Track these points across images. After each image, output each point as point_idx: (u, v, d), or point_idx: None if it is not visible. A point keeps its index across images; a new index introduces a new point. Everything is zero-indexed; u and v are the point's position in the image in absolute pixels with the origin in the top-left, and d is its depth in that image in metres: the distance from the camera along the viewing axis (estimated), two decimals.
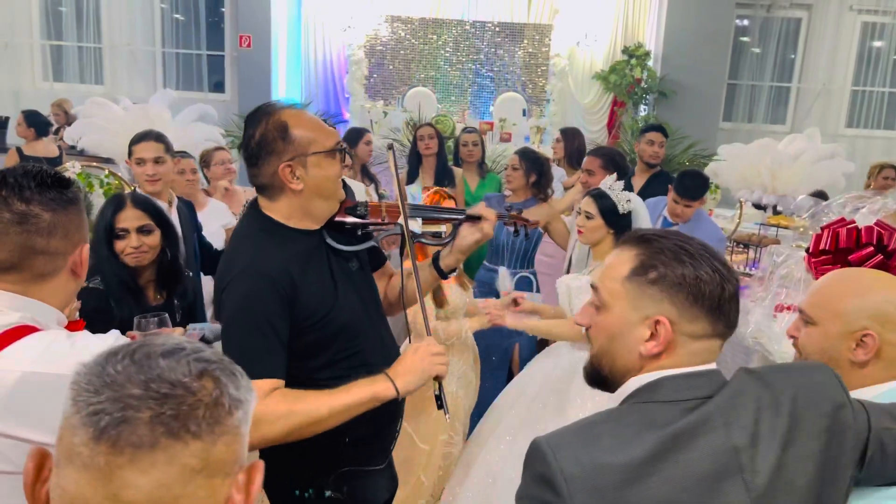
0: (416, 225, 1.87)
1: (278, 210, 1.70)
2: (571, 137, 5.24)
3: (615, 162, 3.83)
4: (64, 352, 1.16)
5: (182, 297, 2.34)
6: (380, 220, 1.83)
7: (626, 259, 1.16)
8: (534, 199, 3.88)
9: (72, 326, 1.35)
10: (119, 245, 2.21)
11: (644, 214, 2.92)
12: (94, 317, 2.04)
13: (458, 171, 4.95)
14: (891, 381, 1.38)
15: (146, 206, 2.28)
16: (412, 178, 4.83)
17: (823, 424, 1.13)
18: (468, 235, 1.91)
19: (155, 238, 2.25)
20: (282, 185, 1.66)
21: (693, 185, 3.68)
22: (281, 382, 1.60)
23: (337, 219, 1.78)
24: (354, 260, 1.83)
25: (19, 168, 1.25)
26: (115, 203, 2.26)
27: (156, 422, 0.70)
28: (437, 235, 1.95)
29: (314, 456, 1.69)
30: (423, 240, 1.90)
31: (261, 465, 0.80)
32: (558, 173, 5.05)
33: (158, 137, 3.11)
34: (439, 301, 2.93)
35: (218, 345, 2.09)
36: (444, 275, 1.98)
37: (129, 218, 2.22)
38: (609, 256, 1.22)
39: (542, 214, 3.79)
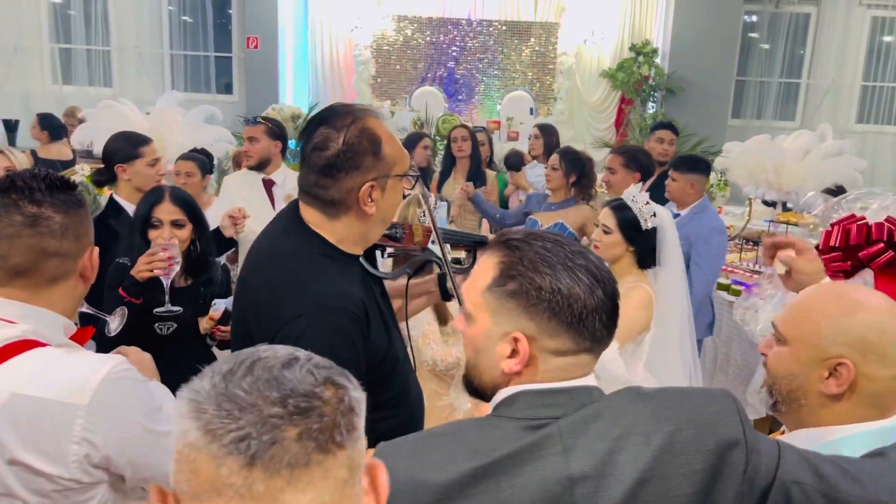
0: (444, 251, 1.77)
1: (333, 230, 1.49)
2: (549, 133, 5.20)
3: (638, 160, 3.73)
4: (56, 375, 1.15)
5: (207, 285, 2.51)
6: (412, 245, 1.73)
7: (489, 267, 1.07)
8: (573, 200, 3.77)
9: (80, 334, 1.34)
10: (152, 234, 2.39)
11: (672, 232, 2.58)
12: (117, 287, 2.33)
13: (490, 174, 4.94)
14: (864, 423, 1.18)
15: (182, 202, 2.45)
16: (444, 179, 4.83)
17: (704, 463, 0.99)
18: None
19: (185, 232, 2.42)
20: (353, 205, 1.46)
21: (682, 161, 3.70)
22: None
23: (378, 241, 1.64)
24: (379, 284, 1.64)
25: (26, 171, 1.25)
26: (155, 196, 2.45)
27: (305, 438, 0.68)
28: (457, 262, 1.86)
29: None
30: (458, 265, 1.82)
31: (381, 464, 0.78)
32: (541, 169, 5.03)
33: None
34: (443, 317, 2.75)
35: None
36: (447, 297, 1.84)
37: (166, 211, 2.40)
38: (479, 261, 1.12)
39: (580, 217, 3.69)
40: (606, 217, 2.56)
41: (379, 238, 1.61)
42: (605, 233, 2.54)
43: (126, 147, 2.98)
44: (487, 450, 0.98)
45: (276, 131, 3.52)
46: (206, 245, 2.53)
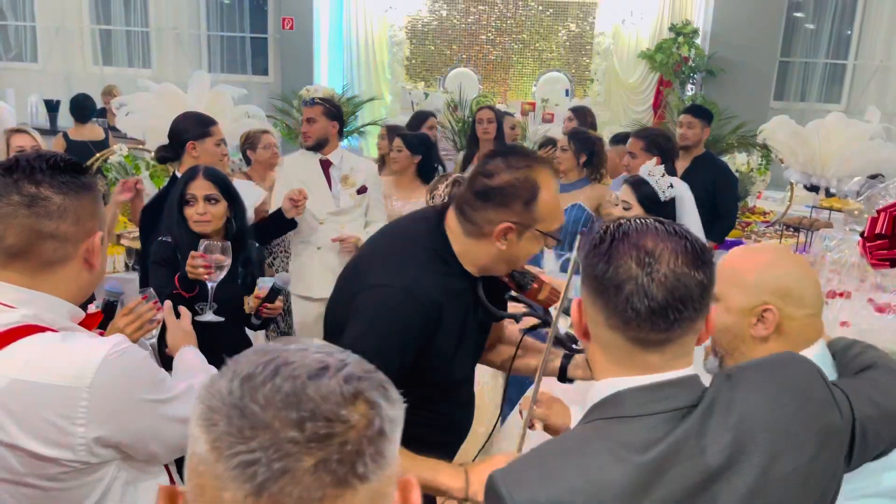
0: (564, 324, 1.72)
1: (460, 242, 1.58)
2: (583, 116, 5.11)
3: (658, 144, 3.72)
4: (55, 359, 1.14)
5: (245, 265, 2.53)
6: (536, 300, 1.71)
7: None
8: (586, 181, 3.76)
9: (89, 319, 1.33)
10: (188, 211, 2.42)
11: (689, 201, 2.71)
12: (162, 263, 2.43)
13: None
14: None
15: (216, 178, 2.47)
16: (468, 161, 4.77)
17: (811, 430, 1.04)
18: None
19: (220, 208, 2.44)
20: (486, 235, 1.54)
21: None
22: None
23: (502, 278, 1.68)
24: (486, 316, 1.71)
25: (33, 153, 1.24)
26: (190, 173, 2.49)
27: (321, 470, 0.59)
28: (573, 340, 1.77)
29: None
30: (562, 342, 1.75)
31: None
32: None
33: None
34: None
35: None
36: (565, 380, 1.86)
37: (199, 187, 2.43)
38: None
39: (594, 197, 3.71)
40: (626, 194, 2.66)
41: (500, 273, 1.66)
42: (626, 209, 2.64)
43: (196, 126, 3.11)
44: (630, 455, 0.97)
45: (334, 112, 3.51)
46: (243, 223, 2.55)
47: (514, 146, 1.63)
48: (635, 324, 0.99)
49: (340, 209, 3.48)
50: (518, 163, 1.53)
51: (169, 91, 4.46)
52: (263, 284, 2.42)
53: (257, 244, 2.73)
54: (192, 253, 2.24)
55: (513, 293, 1.74)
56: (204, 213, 2.41)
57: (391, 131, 4.40)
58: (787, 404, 1.04)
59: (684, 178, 4.23)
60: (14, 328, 1.16)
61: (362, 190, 3.51)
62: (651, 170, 2.69)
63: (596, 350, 1.07)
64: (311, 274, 3.50)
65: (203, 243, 2.25)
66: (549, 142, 5.39)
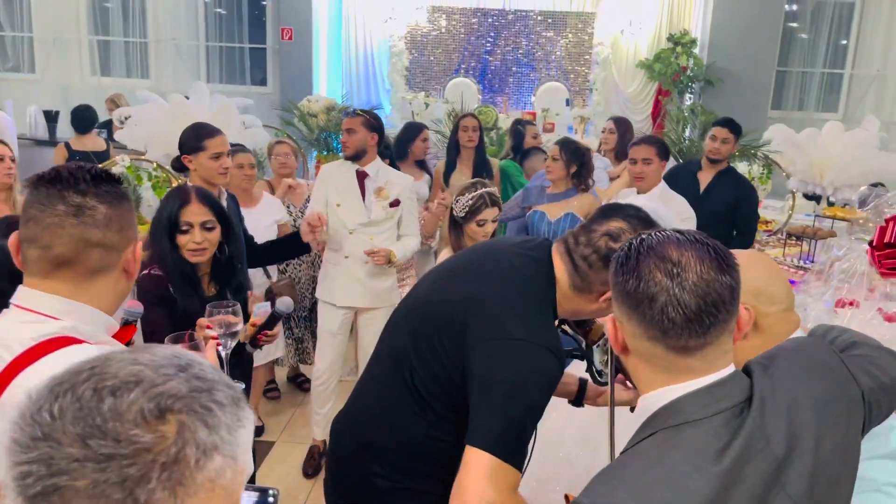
0: (598, 359, 1.80)
1: (563, 293, 1.59)
2: (624, 127, 5.14)
3: (666, 148, 3.80)
4: None
5: (236, 292, 2.31)
6: (585, 335, 1.77)
7: None
8: (574, 190, 3.83)
9: (122, 333, 1.33)
10: (182, 239, 2.18)
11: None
12: (158, 303, 2.10)
13: (494, 162, 4.88)
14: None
15: (210, 202, 2.26)
16: (450, 169, 4.75)
17: (841, 406, 1.12)
18: (623, 393, 1.86)
19: (216, 234, 2.23)
20: (592, 293, 1.57)
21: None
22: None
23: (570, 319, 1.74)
24: None
25: (72, 164, 1.26)
26: (181, 197, 2.23)
27: (95, 491, 0.56)
28: (599, 374, 1.85)
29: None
30: (598, 378, 1.83)
31: None
32: (602, 163, 4.96)
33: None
34: None
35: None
36: (580, 402, 1.95)
37: (195, 213, 2.19)
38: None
39: (585, 205, 3.76)
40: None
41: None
42: None
43: (191, 138, 2.98)
44: (707, 461, 0.98)
45: (374, 124, 3.49)
46: (235, 249, 2.34)
47: (631, 207, 1.64)
48: (673, 333, 1.02)
49: (371, 220, 3.47)
50: (643, 229, 1.54)
51: (175, 102, 4.46)
52: (260, 310, 2.18)
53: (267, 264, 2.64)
54: (200, 321, 1.94)
55: (564, 326, 1.79)
56: (202, 241, 2.18)
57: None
58: (820, 385, 1.11)
59: (707, 190, 4.22)
60: (49, 340, 1.16)
61: (395, 203, 3.50)
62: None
63: (638, 363, 1.09)
64: (336, 282, 3.52)
65: (209, 308, 1.91)
66: (537, 150, 5.37)
